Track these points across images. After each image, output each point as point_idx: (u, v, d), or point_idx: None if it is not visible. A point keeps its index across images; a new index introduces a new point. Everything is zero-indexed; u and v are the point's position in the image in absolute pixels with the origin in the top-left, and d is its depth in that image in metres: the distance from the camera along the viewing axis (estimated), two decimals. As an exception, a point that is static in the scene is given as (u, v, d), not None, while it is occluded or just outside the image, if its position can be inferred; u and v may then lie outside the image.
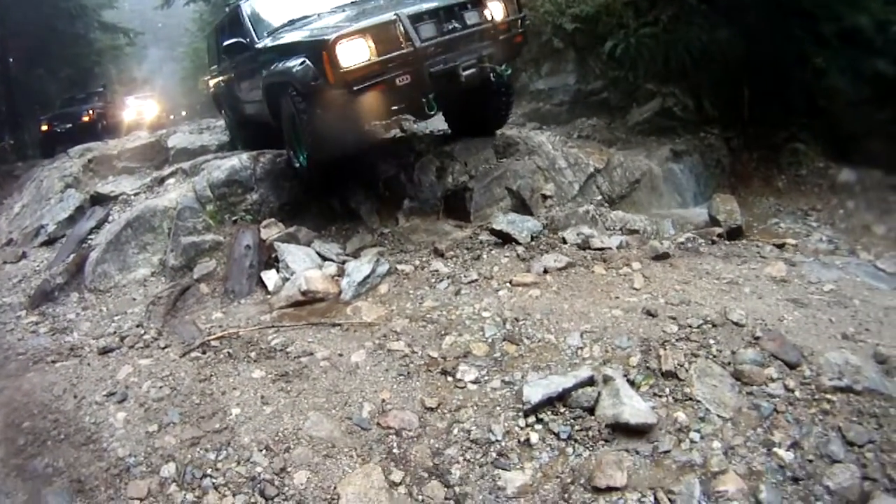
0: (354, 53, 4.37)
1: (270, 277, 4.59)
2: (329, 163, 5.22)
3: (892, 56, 7.18)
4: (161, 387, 3.37)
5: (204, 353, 3.70)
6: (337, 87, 4.46)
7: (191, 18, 23.29)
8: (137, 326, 4.35)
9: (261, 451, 2.78)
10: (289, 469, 2.69)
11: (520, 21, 5.33)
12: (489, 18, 5.00)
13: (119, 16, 21.27)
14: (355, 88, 4.41)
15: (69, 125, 13.66)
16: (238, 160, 5.78)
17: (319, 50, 4.42)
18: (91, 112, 14.16)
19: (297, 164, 5.46)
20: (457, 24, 4.81)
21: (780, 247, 4.93)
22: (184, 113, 19.48)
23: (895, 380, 2.93)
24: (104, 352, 3.98)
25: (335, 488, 2.60)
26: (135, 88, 20.39)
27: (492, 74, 4.98)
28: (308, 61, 4.59)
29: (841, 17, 7.37)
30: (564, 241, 4.72)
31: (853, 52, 7.42)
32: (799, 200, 7.32)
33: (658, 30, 7.71)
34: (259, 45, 5.70)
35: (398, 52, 4.48)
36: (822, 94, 7.68)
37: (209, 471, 2.72)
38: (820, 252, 5.12)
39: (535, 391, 2.95)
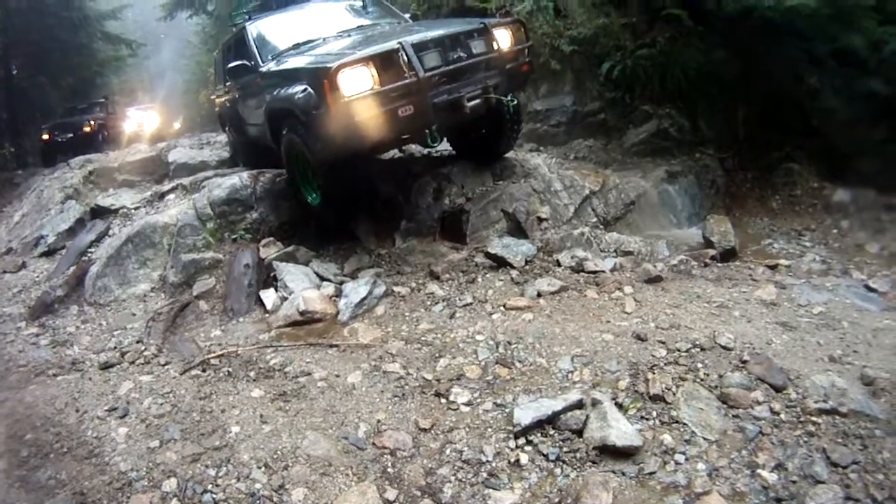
0: (357, 82, 4.28)
1: (269, 296, 4.67)
2: (342, 195, 5.14)
3: (886, 76, 7.27)
4: (162, 403, 3.45)
5: (204, 371, 3.78)
6: (338, 117, 4.34)
7: (193, 31, 23.40)
8: (138, 342, 4.43)
9: (260, 468, 2.85)
10: (287, 486, 2.76)
11: (527, 50, 5.25)
12: (496, 47, 4.91)
13: (122, 27, 21.34)
14: (356, 119, 4.31)
15: (70, 135, 13.74)
16: (238, 179, 5.88)
17: (321, 77, 4.33)
18: (92, 123, 14.23)
19: (310, 202, 5.40)
20: (462, 53, 4.73)
21: (773, 268, 4.96)
22: (177, 125, 19.40)
23: (881, 401, 2.97)
24: (105, 367, 4.06)
25: (332, 505, 2.67)
26: (136, 100, 20.51)
27: (497, 105, 4.89)
28: (310, 89, 4.52)
29: (835, 38, 7.47)
30: (559, 264, 4.77)
31: (847, 72, 7.51)
32: (793, 221, 7.36)
33: (655, 51, 7.77)
34: (263, 69, 5.66)
35: (401, 82, 4.37)
36: (816, 114, 7.72)
37: (209, 486, 2.79)
38: (813, 273, 5.16)
39: (525, 414, 3.03)
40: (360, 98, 4.28)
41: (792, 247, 6.73)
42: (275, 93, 5.16)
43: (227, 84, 7.34)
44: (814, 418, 2.91)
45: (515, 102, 5.13)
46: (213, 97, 8.93)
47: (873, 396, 3.01)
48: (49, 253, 6.65)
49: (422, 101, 4.46)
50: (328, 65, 4.33)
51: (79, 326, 4.90)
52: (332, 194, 5.11)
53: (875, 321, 3.80)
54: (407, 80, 4.39)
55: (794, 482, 2.64)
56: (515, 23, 5.32)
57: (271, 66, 5.58)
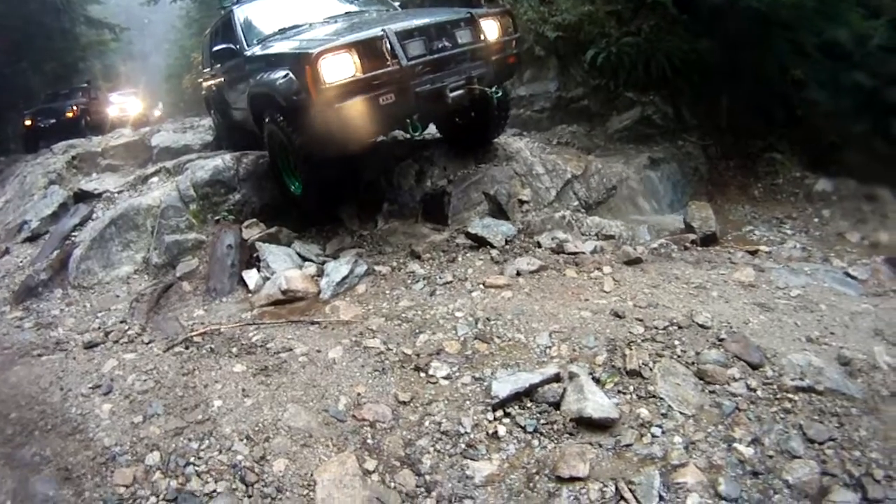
0: (338, 69, 4.23)
1: (251, 276, 4.70)
2: (323, 184, 5.13)
3: (871, 69, 7.38)
4: (145, 380, 3.48)
5: (187, 348, 3.82)
6: (319, 104, 4.29)
7: (177, 16, 23.24)
8: (121, 322, 4.44)
9: (242, 440, 2.91)
10: (268, 457, 2.81)
11: (514, 41, 5.21)
12: (482, 38, 4.86)
13: (105, 11, 21.12)
14: (336, 106, 4.25)
15: (53, 120, 13.58)
16: (221, 160, 5.89)
17: (303, 63, 4.27)
18: (75, 108, 14.06)
19: (293, 191, 5.39)
20: (447, 43, 4.68)
21: (753, 253, 5.01)
22: (157, 112, 19.15)
23: (858, 381, 3.03)
24: (89, 346, 4.08)
25: (312, 475, 2.73)
26: (119, 84, 20.29)
27: (481, 96, 4.84)
28: (291, 74, 4.48)
29: (821, 31, 7.57)
30: (539, 245, 4.81)
31: (832, 65, 7.62)
32: (774, 209, 7.44)
33: (639, 39, 7.83)
34: (248, 53, 5.64)
35: (383, 70, 4.33)
36: (800, 104, 7.83)
37: (192, 459, 2.84)
38: (793, 259, 5.19)
39: (503, 386, 3.09)
40: (341, 85, 4.23)
41: (773, 234, 6.81)
42: (258, 77, 5.13)
43: (214, 68, 7.30)
44: (790, 395, 2.97)
45: (500, 94, 5.03)
46: (199, 81, 8.88)
47: (850, 377, 3.06)
48: (32, 238, 6.60)
49: (404, 90, 4.42)
50: (310, 50, 4.28)
51: (63, 309, 4.90)
52: (314, 185, 5.10)
53: (853, 305, 3.85)
54: (389, 69, 4.35)
55: (770, 457, 2.69)
56: (504, 14, 5.27)
57: (256, 50, 5.56)
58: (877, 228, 6.68)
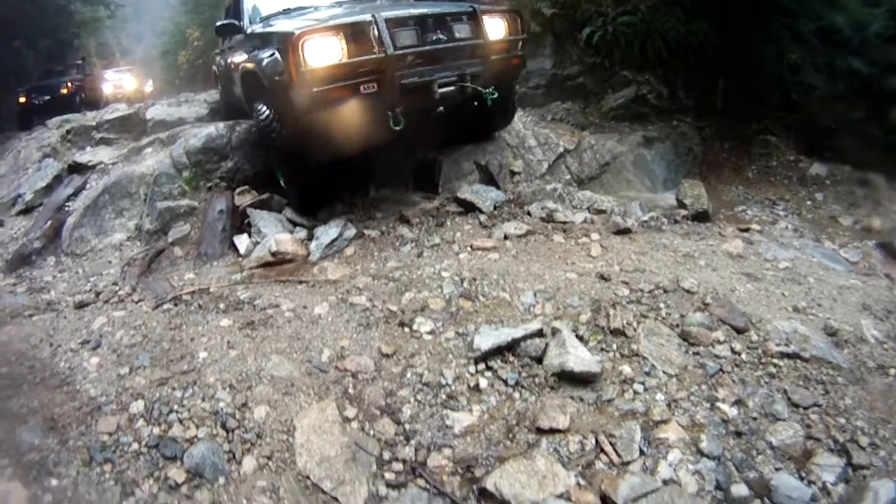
0: (323, 52, 4.06)
1: (242, 241, 4.74)
2: (309, 181, 4.95)
3: (868, 56, 7.42)
4: (133, 335, 3.51)
5: (175, 305, 3.85)
6: (298, 86, 4.12)
7: (174, -8, 22.98)
8: (113, 285, 4.47)
9: (224, 388, 2.94)
10: (250, 404, 2.85)
11: (521, 43, 4.99)
12: (483, 35, 4.66)
13: (100, -13, 20.92)
14: (315, 90, 4.07)
15: (47, 97, 13.52)
16: (214, 128, 5.90)
17: (287, 43, 4.11)
18: (69, 84, 14.01)
19: (281, 181, 5.29)
20: (442, 36, 4.46)
21: (745, 231, 5.03)
22: (148, 89, 18.92)
23: (844, 352, 3.07)
24: (80, 306, 4.12)
25: (292, 421, 2.77)
26: (114, 62, 20.17)
27: (474, 95, 4.62)
28: (278, 55, 4.31)
29: (820, 16, 7.59)
30: (529, 214, 4.84)
31: (830, 51, 7.66)
32: (768, 190, 7.48)
33: (636, 19, 7.85)
34: (248, 30, 5.50)
35: (367, 57, 4.13)
36: (796, 89, 7.89)
37: (175, 407, 2.87)
38: (784, 237, 5.24)
39: (485, 340, 3.13)
40: (322, 69, 4.07)
41: (765, 214, 6.86)
42: (251, 55, 5.02)
43: (224, 43, 7.21)
44: (775, 360, 3.01)
45: (496, 96, 4.71)
46: (213, 53, 8.83)
47: (837, 347, 3.11)
48: (27, 211, 6.62)
49: (387, 80, 4.20)
50: (294, 31, 4.14)
51: (55, 275, 4.93)
52: (297, 185, 4.98)
53: (841, 280, 3.89)
54: (374, 56, 4.15)
55: (754, 418, 2.73)
56: (511, 13, 5.03)
57: (257, 28, 5.41)
58: (870, 214, 6.75)
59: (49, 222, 5.76)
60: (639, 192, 7.05)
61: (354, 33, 4.16)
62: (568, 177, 6.42)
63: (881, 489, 2.37)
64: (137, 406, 2.91)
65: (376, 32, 4.16)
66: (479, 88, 4.57)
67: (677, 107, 8.21)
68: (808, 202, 7.14)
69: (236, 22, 5.75)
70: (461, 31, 4.59)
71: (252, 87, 5.06)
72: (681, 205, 5.69)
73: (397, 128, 4.39)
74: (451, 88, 4.48)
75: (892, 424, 2.70)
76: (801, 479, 2.50)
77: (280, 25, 4.93)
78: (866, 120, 7.53)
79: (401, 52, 4.23)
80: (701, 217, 5.43)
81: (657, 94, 8.25)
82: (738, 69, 7.78)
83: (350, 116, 4.31)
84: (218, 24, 5.97)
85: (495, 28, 4.77)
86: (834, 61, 7.69)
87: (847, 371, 2.97)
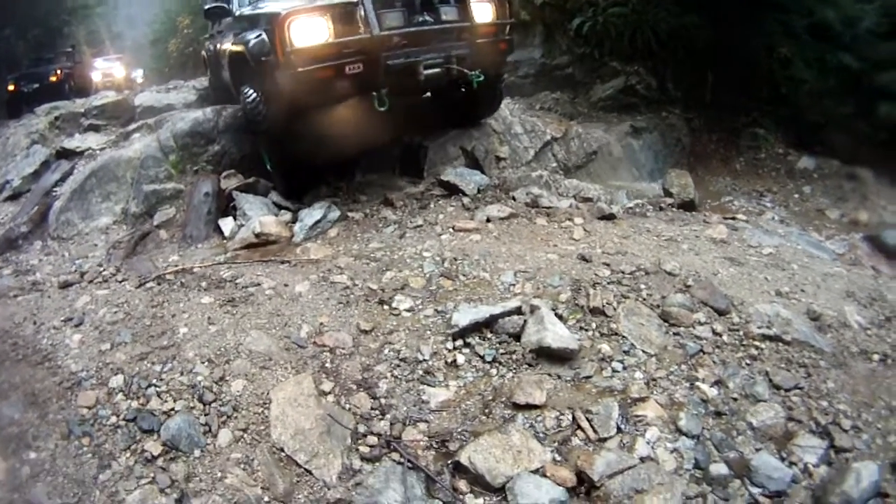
0: (308, 32, 4.08)
1: (227, 224, 4.75)
2: (295, 164, 4.96)
3: (859, 51, 7.46)
4: (116, 312, 3.53)
5: (158, 284, 3.87)
6: (286, 68, 4.13)
7: (164, -20, 22.77)
8: (98, 266, 4.49)
9: (203, 363, 2.97)
10: (227, 378, 2.89)
11: (508, 27, 5.00)
12: (470, 18, 4.65)
13: (90, -25, 20.78)
14: (301, 70, 4.08)
15: (36, 85, 13.37)
16: (202, 112, 5.89)
17: (273, 24, 4.14)
18: (59, 72, 13.86)
19: (269, 167, 5.30)
20: (429, 18, 4.46)
21: (731, 219, 5.01)
22: (138, 79, 18.76)
23: (827, 336, 3.11)
24: (64, 286, 4.13)
25: (268, 394, 2.80)
26: (104, 50, 19.99)
27: (460, 77, 4.64)
28: (264, 35, 4.32)
29: (812, 12, 7.62)
30: (513, 199, 4.85)
31: (821, 46, 7.69)
32: (755, 182, 7.53)
33: (626, 10, 7.86)
34: (236, 13, 5.49)
35: (353, 38, 4.15)
36: (786, 83, 7.91)
37: (154, 381, 2.91)
38: (769, 226, 5.24)
39: (463, 316, 3.16)
40: (308, 49, 4.09)
41: (752, 205, 6.90)
42: (239, 37, 5.01)
43: (213, 28, 7.16)
44: (757, 343, 3.05)
45: (482, 78, 4.72)
46: (202, 38, 8.78)
47: (819, 331, 3.14)
48: (14, 196, 6.54)
49: (373, 61, 4.22)
50: (280, 11, 4.17)
51: (41, 258, 4.93)
52: (284, 171, 5.00)
53: (826, 267, 3.92)
54: (359, 37, 4.18)
55: (734, 399, 2.77)
56: None
57: (245, 10, 5.38)
58: (857, 207, 6.81)
59: (36, 207, 5.74)
60: (626, 181, 7.06)
61: (341, 14, 4.17)
62: (554, 164, 6.43)
63: (863, 471, 2.41)
64: (117, 380, 2.94)
65: (363, 13, 4.18)
66: (465, 71, 4.59)
67: (666, 98, 8.24)
68: (796, 195, 7.19)
69: (225, 4, 5.72)
70: (448, 13, 4.59)
71: (239, 69, 5.07)
72: (667, 194, 5.69)
73: (382, 109, 4.40)
74: (437, 70, 4.51)
75: (874, 408, 2.74)
76: (782, 459, 2.55)
77: (268, 7, 4.93)
78: (855, 115, 7.57)
79: (387, 33, 4.26)
80: (687, 206, 5.42)
81: (646, 85, 8.28)
82: (728, 62, 7.79)
83: (335, 97, 4.38)
84: (207, 6, 5.89)
85: (483, 11, 4.78)
86: (824, 56, 7.72)
87: (830, 355, 3.00)
